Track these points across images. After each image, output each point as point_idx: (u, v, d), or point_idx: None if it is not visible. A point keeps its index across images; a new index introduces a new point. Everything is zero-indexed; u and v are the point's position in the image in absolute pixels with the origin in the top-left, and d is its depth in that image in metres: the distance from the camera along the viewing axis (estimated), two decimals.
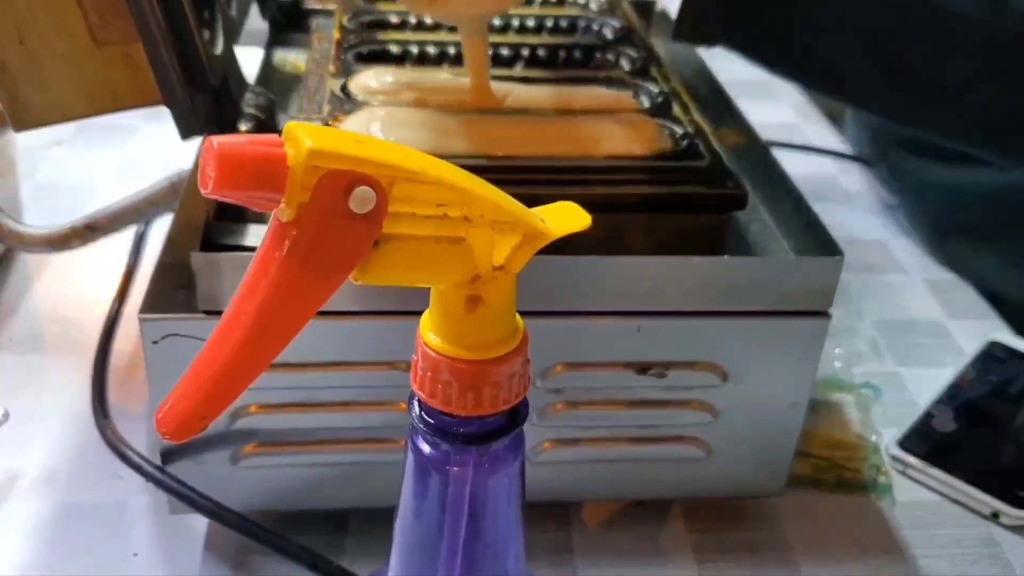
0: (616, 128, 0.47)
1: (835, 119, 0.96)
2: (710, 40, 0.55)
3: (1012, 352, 0.62)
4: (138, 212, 0.55)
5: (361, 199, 0.24)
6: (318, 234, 0.24)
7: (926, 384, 0.60)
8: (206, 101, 0.42)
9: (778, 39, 0.55)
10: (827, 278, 0.44)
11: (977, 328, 0.65)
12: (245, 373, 0.26)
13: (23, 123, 0.42)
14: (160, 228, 0.64)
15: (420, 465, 0.31)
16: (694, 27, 0.54)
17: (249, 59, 0.54)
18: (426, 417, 0.30)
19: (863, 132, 0.86)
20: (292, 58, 0.61)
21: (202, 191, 0.23)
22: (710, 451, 0.47)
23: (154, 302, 0.42)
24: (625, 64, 0.56)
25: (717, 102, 0.58)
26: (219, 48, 0.44)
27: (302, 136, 0.24)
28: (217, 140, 0.23)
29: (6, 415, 0.50)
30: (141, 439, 0.49)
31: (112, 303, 0.58)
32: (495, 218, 0.27)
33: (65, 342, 0.58)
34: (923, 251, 0.74)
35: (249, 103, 0.45)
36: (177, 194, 0.54)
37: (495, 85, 0.49)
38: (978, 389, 0.59)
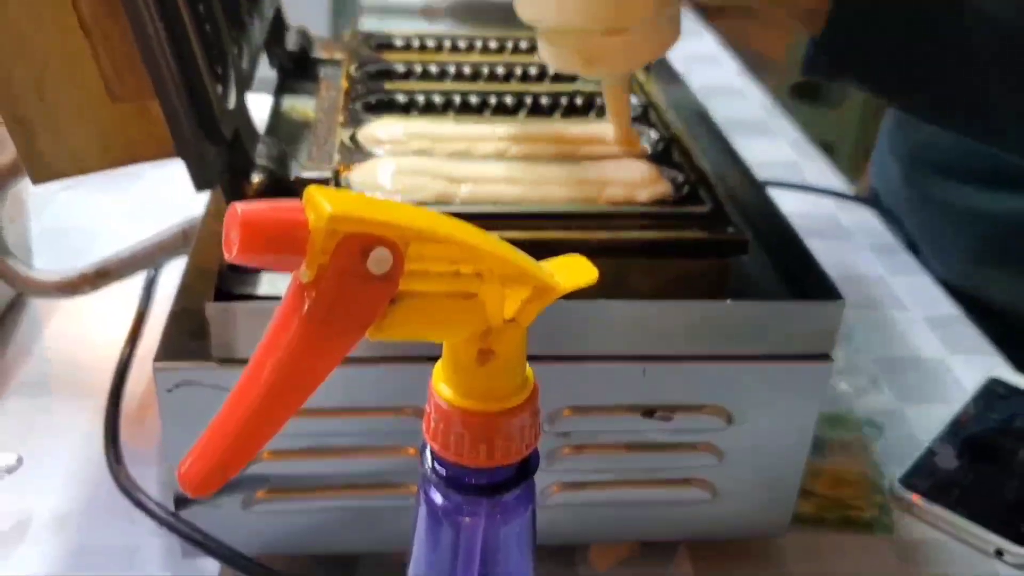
0: (619, 174, 0.48)
1: (831, 153, 0.97)
2: (841, 77, 0.55)
3: (1013, 389, 0.63)
4: (149, 258, 0.56)
5: (379, 260, 0.25)
6: (337, 294, 0.25)
7: (928, 421, 0.60)
8: (219, 153, 0.43)
9: (913, 79, 0.54)
10: (829, 322, 0.44)
11: (977, 364, 0.66)
12: (264, 429, 0.26)
13: (41, 175, 0.43)
14: (171, 273, 0.65)
15: (432, 515, 0.32)
16: (829, 64, 0.54)
17: (259, 105, 0.55)
18: (438, 468, 0.31)
19: (897, 157, 0.86)
20: (300, 105, 0.62)
21: (226, 256, 0.24)
22: (716, 493, 0.48)
23: (168, 350, 0.43)
24: None
25: (716, 144, 0.59)
26: (231, 102, 0.45)
27: (322, 201, 0.24)
28: (241, 207, 0.24)
29: (19, 460, 0.51)
30: (152, 482, 0.50)
31: (124, 347, 0.59)
32: (506, 273, 0.28)
33: (76, 386, 0.58)
34: (934, 283, 0.75)
35: (261, 154, 0.46)
36: (188, 240, 0.55)
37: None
38: (980, 426, 0.60)
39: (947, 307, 0.73)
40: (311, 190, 0.25)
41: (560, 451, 0.46)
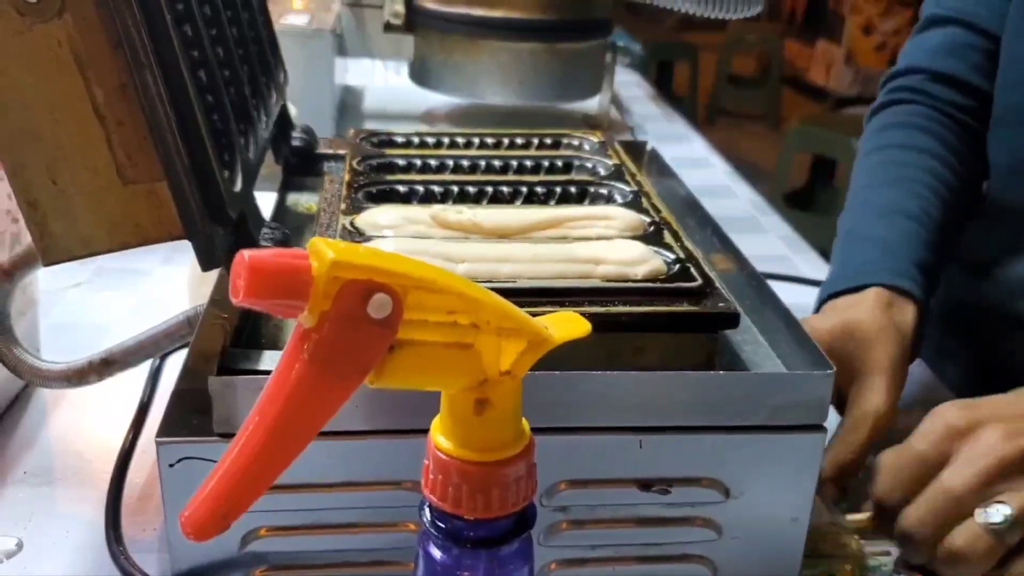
0: (612, 253, 0.49)
1: (825, 254, 0.99)
2: None
3: None
4: (155, 346, 0.57)
5: (378, 305, 0.26)
6: (337, 338, 0.26)
7: None
8: (225, 234, 0.45)
9: None
10: (819, 392, 0.45)
11: None
12: (265, 472, 0.27)
13: (52, 257, 0.44)
14: (175, 362, 0.66)
15: (431, 572, 0.32)
16: None
17: (265, 202, 0.56)
18: (437, 522, 0.31)
19: None
20: (304, 200, 0.64)
21: (233, 300, 0.25)
22: (716, 570, 0.48)
23: (170, 427, 0.44)
24: (618, 198, 0.59)
25: (708, 231, 0.61)
26: (238, 186, 0.46)
27: (325, 249, 0.26)
28: (248, 253, 0.25)
29: (19, 544, 0.51)
30: (153, 568, 0.50)
31: (127, 434, 0.60)
32: (501, 325, 0.29)
33: (80, 475, 0.58)
34: (923, 366, 0.76)
35: (265, 237, 0.47)
36: (193, 328, 0.56)
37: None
38: None
39: (941, 389, 0.74)
40: (315, 240, 0.26)
41: (558, 526, 0.46)
